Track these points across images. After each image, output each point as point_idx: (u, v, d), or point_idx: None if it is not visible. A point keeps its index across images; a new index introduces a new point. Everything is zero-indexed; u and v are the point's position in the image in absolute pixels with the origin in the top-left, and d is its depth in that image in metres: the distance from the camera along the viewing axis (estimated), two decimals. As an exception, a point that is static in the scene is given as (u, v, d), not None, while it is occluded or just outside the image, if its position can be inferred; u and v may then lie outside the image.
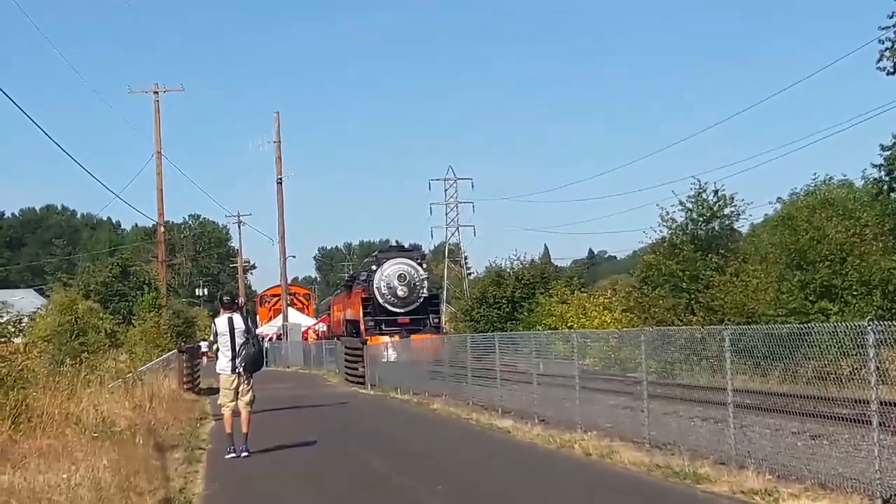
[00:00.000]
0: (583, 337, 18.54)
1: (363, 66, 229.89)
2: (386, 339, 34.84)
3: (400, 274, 37.65)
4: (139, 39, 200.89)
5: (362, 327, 38.12)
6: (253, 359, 15.00)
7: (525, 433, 16.78)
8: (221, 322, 15.01)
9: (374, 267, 38.94)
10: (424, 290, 38.52)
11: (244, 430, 14.96)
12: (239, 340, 14.87)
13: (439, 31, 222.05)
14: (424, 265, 40.45)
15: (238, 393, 15.02)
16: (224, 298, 15.89)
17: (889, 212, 28.98)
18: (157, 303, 45.03)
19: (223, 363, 14.99)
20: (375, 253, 46.15)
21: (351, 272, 67.22)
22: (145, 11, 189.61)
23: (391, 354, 31.29)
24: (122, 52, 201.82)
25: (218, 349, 15.05)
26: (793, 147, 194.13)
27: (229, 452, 14.82)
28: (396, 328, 36.61)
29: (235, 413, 15.15)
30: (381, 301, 37.77)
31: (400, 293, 37.59)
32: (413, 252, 42.11)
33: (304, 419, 21.13)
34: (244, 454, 14.77)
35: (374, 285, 37.87)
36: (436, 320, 38.33)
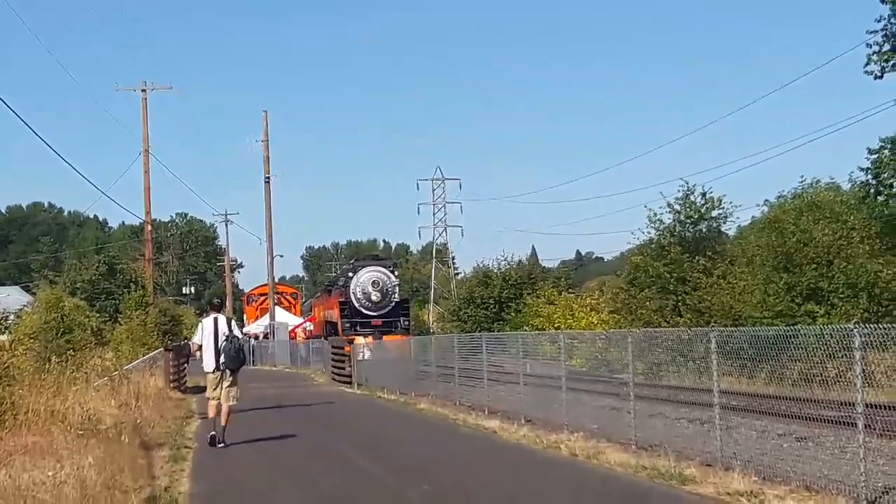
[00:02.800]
0: (570, 338, 18.55)
1: (353, 66, 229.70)
2: (361, 339, 36.68)
3: (374, 280, 41.34)
4: (128, 36, 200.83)
5: (340, 328, 41.59)
6: (232, 356, 15.92)
7: (511, 434, 16.78)
8: (208, 322, 16.27)
9: (350, 274, 43.04)
10: (396, 296, 42.20)
11: (223, 422, 15.97)
12: (221, 339, 15.90)
13: (430, 32, 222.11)
14: (396, 273, 44.66)
15: (222, 388, 15.99)
16: (214, 301, 17.92)
17: (876, 215, 29.05)
18: (144, 301, 44.88)
19: (208, 361, 16.02)
20: (352, 261, 51.49)
21: (338, 272, 67.96)
22: (135, 8, 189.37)
23: (366, 353, 33.16)
24: (111, 48, 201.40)
25: (200, 346, 16.22)
26: (780, 150, 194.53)
27: (216, 441, 15.79)
28: (370, 329, 39.71)
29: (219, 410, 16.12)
30: (356, 305, 41.22)
31: (374, 298, 41.15)
32: (386, 261, 47.15)
33: (290, 418, 21.10)
34: (220, 445, 15.73)
35: (351, 290, 41.42)
36: (406, 322, 41.90)
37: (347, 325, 40.86)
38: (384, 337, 37.11)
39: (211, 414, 16.20)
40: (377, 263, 44.27)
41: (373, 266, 43.00)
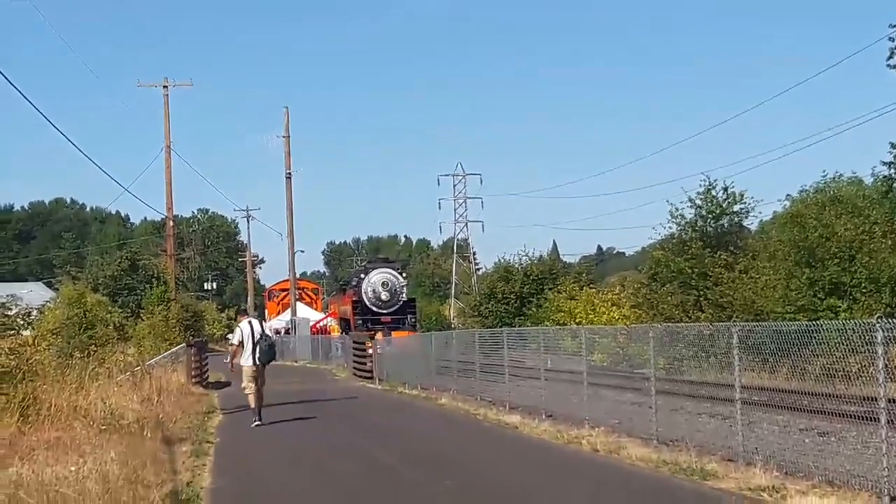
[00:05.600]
0: (591, 333, 18.53)
1: (373, 61, 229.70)
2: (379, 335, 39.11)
3: (383, 281, 44.87)
4: (149, 34, 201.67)
5: (353, 324, 45.31)
6: (265, 352, 18.93)
7: (533, 429, 16.79)
8: (245, 325, 19.18)
9: (362, 275, 46.70)
10: (403, 295, 45.60)
11: (261, 404, 18.78)
12: (257, 338, 18.77)
13: (449, 27, 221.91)
14: (404, 274, 48.67)
15: (257, 379, 18.76)
16: (243, 308, 22.33)
17: (898, 209, 28.85)
18: (166, 296, 45.12)
19: (247, 357, 18.81)
20: (364, 263, 57.88)
21: (358, 267, 68.88)
22: (156, 5, 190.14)
23: (378, 348, 35.10)
24: (132, 46, 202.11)
25: (240, 344, 19.04)
26: (803, 144, 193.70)
27: (254, 422, 18.33)
28: (380, 326, 42.71)
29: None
30: (367, 303, 44.67)
31: (383, 297, 44.61)
32: (395, 263, 51.44)
33: (312, 413, 21.14)
34: (256, 423, 18.26)
35: (362, 290, 44.94)
36: (413, 320, 45.47)
37: (360, 321, 44.33)
38: (392, 333, 39.67)
39: (252, 403, 18.75)
40: (387, 265, 47.98)
41: (382, 268, 46.70)
